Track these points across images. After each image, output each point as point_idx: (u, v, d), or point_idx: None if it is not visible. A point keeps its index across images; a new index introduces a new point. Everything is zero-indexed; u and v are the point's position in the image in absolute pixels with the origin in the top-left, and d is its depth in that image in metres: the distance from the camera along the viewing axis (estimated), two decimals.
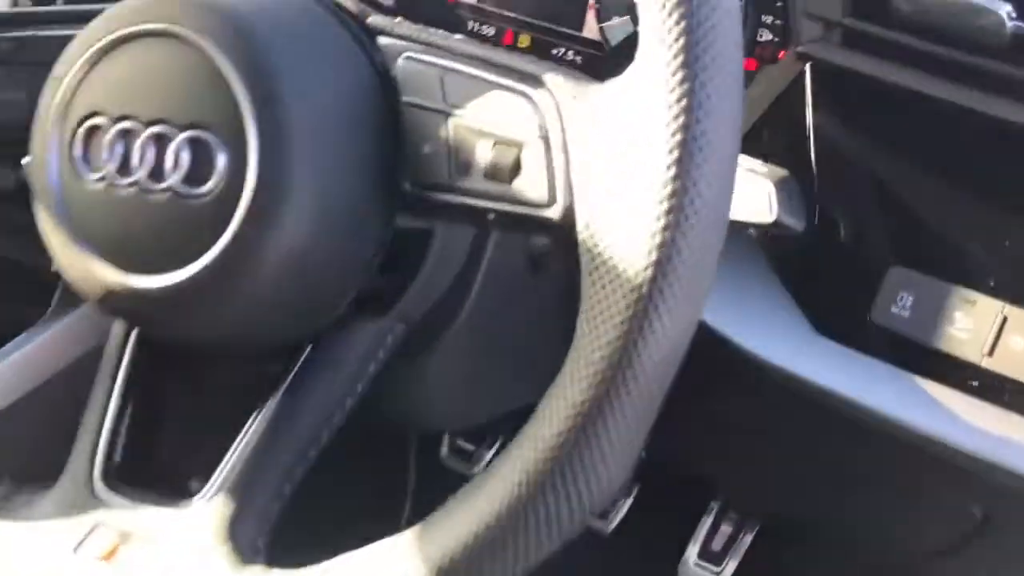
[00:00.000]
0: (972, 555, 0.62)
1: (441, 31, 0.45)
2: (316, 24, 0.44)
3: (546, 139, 0.39)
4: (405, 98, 0.43)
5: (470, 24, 0.82)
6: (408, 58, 0.44)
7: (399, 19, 0.47)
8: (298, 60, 0.42)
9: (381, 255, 0.45)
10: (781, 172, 0.49)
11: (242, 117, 0.39)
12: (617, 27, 0.76)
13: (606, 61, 0.76)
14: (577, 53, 0.79)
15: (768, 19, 0.70)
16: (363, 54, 0.44)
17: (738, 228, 0.51)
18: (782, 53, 0.70)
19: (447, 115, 0.41)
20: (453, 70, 0.42)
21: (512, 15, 0.79)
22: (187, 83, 0.40)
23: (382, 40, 0.46)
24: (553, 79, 0.40)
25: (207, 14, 0.41)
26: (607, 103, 0.38)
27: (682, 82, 0.34)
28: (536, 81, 0.40)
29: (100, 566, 0.41)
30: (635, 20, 0.75)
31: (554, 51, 0.80)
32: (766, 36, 0.70)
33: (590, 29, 0.77)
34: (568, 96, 0.39)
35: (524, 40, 0.80)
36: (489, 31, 0.81)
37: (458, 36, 0.45)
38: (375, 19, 0.46)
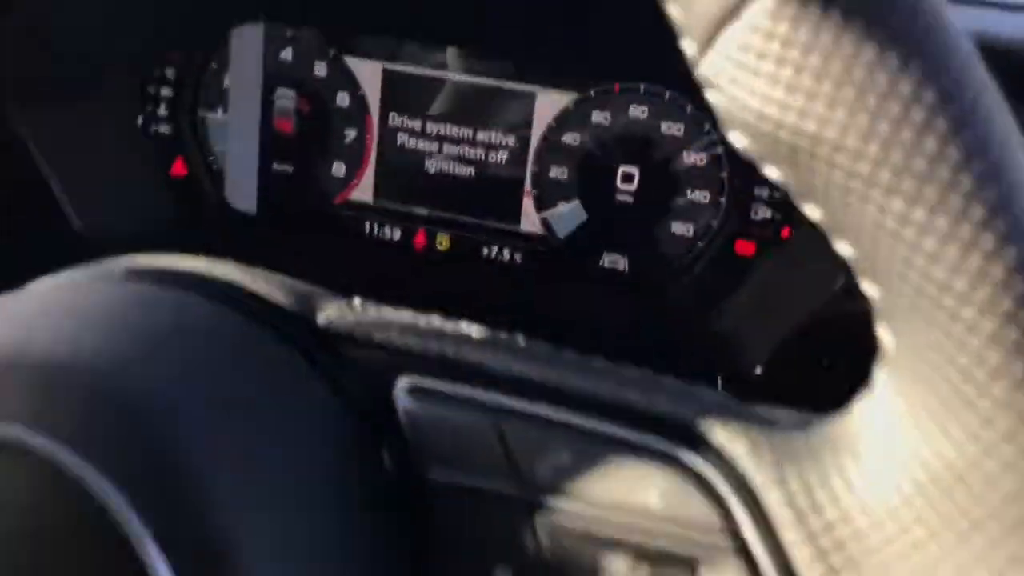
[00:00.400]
0: None
1: (445, 322, 0.26)
2: (254, 374, 0.24)
3: (742, 550, 0.21)
4: (438, 476, 0.23)
5: (367, 227, 0.63)
6: (417, 392, 0.25)
7: (357, 301, 0.28)
8: (241, 458, 0.22)
9: None
10: None
11: None
12: (565, 215, 0.60)
13: (562, 262, 0.59)
14: (515, 250, 0.62)
15: (763, 192, 0.56)
16: (336, 398, 0.25)
17: None
18: (786, 230, 0.56)
19: (534, 507, 0.22)
20: (519, 415, 0.23)
21: (423, 212, 0.61)
22: (48, 534, 0.20)
23: (353, 354, 0.26)
24: (727, 434, 0.22)
25: (77, 403, 0.21)
26: (853, 469, 0.20)
27: None
28: (692, 438, 0.22)
29: None
30: (586, 205, 0.59)
31: (484, 251, 0.62)
32: (763, 213, 0.56)
33: (529, 220, 0.61)
34: (765, 464, 0.21)
35: (442, 241, 0.62)
36: (394, 234, 0.63)
37: (474, 330, 0.26)
38: (331, 314, 0.27)
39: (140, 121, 0.63)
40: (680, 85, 0.55)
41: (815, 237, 0.20)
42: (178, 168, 0.64)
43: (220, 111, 0.63)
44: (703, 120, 0.56)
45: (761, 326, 0.53)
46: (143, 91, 0.62)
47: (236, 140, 0.64)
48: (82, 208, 0.59)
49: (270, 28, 0.61)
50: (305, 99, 0.62)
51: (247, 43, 0.61)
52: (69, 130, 0.59)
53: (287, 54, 0.61)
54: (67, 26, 0.55)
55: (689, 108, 0.57)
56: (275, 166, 0.64)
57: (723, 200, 0.58)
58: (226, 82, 0.62)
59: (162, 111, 0.63)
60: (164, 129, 0.63)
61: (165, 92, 0.63)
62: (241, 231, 0.65)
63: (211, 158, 0.64)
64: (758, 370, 0.52)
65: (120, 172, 0.62)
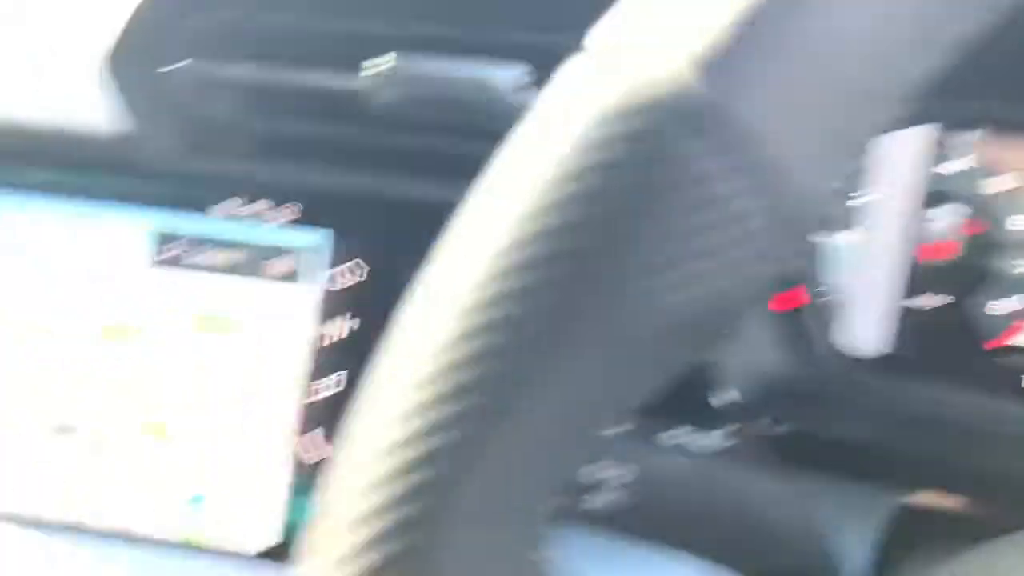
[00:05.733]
0: None
1: None
2: None
3: None
4: None
5: None
6: None
7: None
8: None
9: None
10: None
11: None
12: None
13: None
14: None
15: None
16: None
17: None
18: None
19: None
20: None
21: None
22: None
23: None
24: None
25: None
26: None
27: None
28: None
29: None
30: None
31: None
32: None
33: None
34: None
35: None
36: None
37: None
38: None
39: None
40: None
41: None
42: (787, 299, 0.51)
43: (843, 233, 0.51)
44: None
45: None
46: None
47: (870, 268, 0.51)
48: None
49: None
50: (975, 219, 0.51)
51: (902, 152, 0.51)
52: None
53: (952, 165, 0.51)
54: None
55: None
56: (916, 301, 0.51)
57: None
58: (866, 197, 0.51)
59: None
60: None
61: None
62: (858, 378, 0.51)
63: (818, 289, 0.51)
64: None
65: None
